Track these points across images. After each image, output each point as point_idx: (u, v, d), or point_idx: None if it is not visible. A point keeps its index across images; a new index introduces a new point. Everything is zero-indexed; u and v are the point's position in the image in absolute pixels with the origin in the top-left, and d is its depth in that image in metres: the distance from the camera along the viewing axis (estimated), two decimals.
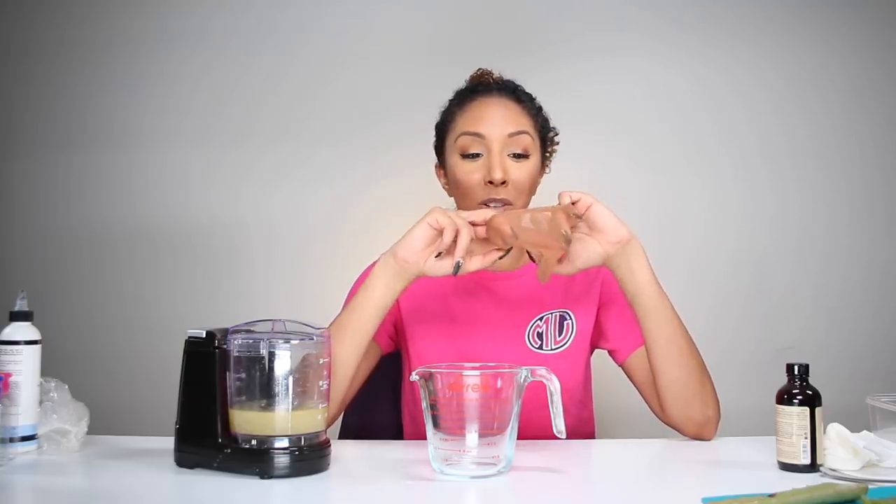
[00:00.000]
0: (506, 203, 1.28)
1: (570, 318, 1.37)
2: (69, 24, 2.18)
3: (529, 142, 1.31)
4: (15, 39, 2.19)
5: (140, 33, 2.17)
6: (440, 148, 1.40)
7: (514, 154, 1.30)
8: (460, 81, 1.42)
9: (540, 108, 1.38)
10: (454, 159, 1.33)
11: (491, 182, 1.27)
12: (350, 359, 1.21)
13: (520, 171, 1.30)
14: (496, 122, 1.30)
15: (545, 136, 1.38)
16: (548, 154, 1.40)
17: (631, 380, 1.36)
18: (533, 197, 1.37)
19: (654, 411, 1.31)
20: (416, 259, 1.17)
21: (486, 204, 1.28)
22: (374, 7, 2.16)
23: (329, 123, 2.14)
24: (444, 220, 1.15)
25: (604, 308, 1.38)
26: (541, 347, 1.35)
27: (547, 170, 1.42)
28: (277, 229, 2.14)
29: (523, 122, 1.32)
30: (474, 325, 1.35)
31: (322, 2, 2.17)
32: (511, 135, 1.29)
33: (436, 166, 1.43)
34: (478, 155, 1.30)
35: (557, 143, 1.41)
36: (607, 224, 1.17)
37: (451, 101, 1.40)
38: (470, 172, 1.30)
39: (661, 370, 1.24)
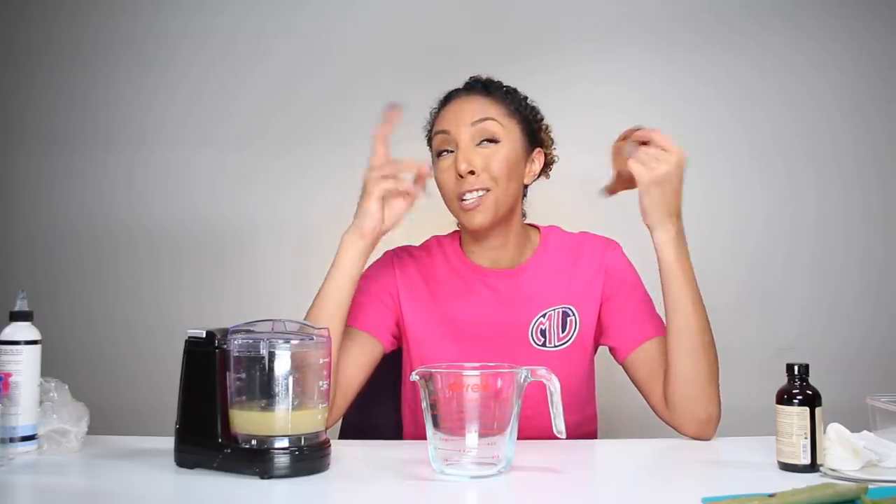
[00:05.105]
0: (484, 190, 1.29)
1: (573, 314, 1.36)
2: (72, 24, 2.18)
3: (497, 127, 1.31)
4: (17, 39, 2.19)
5: (144, 33, 2.17)
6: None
7: (482, 141, 1.31)
8: (460, 85, 1.41)
9: (521, 98, 1.38)
10: (434, 162, 1.36)
11: (461, 176, 1.29)
12: (335, 332, 1.24)
13: (487, 158, 1.30)
14: (460, 116, 1.32)
15: (527, 121, 1.37)
16: (543, 144, 1.40)
17: (632, 379, 1.34)
18: (528, 185, 1.39)
19: (655, 410, 1.31)
20: (379, 226, 1.25)
21: (461, 197, 1.30)
22: (385, 10, 2.16)
23: (337, 125, 2.14)
24: (388, 185, 1.23)
25: (606, 303, 1.37)
26: (544, 345, 1.35)
27: (556, 158, 1.43)
28: (282, 231, 2.14)
29: (488, 109, 1.32)
30: (477, 324, 1.35)
31: (331, 5, 2.17)
32: (474, 123, 1.31)
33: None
34: (450, 152, 1.32)
35: (549, 131, 1.42)
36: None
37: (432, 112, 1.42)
38: (445, 170, 1.32)
39: (673, 359, 1.24)
